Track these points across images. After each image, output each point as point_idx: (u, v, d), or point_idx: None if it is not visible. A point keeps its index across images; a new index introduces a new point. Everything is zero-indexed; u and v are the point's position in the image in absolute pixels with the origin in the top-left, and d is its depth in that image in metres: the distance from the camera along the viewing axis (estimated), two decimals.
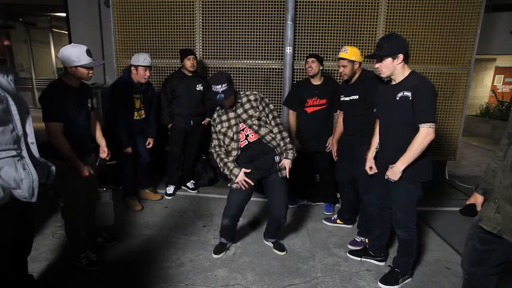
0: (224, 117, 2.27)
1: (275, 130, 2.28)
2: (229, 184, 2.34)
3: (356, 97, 2.58)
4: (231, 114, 2.26)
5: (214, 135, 2.33)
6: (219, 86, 2.07)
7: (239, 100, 2.26)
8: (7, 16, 1.44)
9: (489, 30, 6.17)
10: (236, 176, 2.21)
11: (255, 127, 2.24)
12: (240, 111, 2.25)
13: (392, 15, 3.50)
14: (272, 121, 2.29)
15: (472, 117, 8.48)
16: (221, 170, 2.30)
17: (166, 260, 2.37)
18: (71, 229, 2.27)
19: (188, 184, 3.73)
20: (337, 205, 3.37)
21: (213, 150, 2.33)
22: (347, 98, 2.65)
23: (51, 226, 2.78)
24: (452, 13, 3.48)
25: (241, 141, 2.25)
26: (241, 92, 2.32)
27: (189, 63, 3.26)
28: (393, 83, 2.03)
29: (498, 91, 9.14)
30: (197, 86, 3.37)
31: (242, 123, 2.25)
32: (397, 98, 1.95)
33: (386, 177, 2.02)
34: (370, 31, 3.56)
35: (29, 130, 1.51)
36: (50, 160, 1.63)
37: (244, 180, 2.20)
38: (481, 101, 9.00)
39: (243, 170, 2.21)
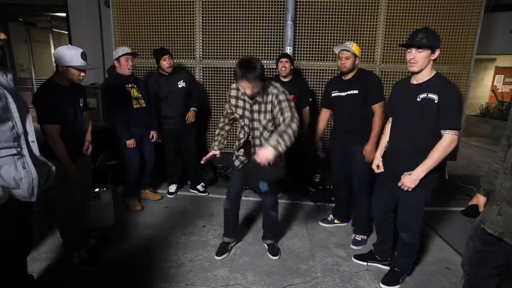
0: (240, 95, 2.15)
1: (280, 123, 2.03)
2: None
3: (355, 92, 2.48)
4: (247, 105, 2.13)
5: (227, 104, 2.27)
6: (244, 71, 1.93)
7: (260, 99, 2.07)
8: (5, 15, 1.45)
9: (489, 30, 6.15)
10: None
11: (257, 132, 2.15)
12: (255, 108, 2.11)
13: (392, 15, 3.50)
14: (280, 117, 2.03)
15: (472, 117, 8.47)
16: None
17: (166, 260, 2.36)
18: (65, 228, 2.28)
19: (199, 187, 3.65)
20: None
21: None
22: (343, 94, 2.53)
23: (51, 226, 2.77)
24: (452, 13, 3.48)
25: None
26: (271, 87, 2.07)
27: (165, 63, 3.14)
28: (414, 82, 1.88)
29: (498, 91, 9.13)
30: (179, 83, 3.27)
31: (249, 120, 2.15)
32: (418, 99, 1.81)
33: (400, 184, 1.90)
34: (370, 31, 3.56)
35: (29, 128, 1.51)
36: (49, 159, 1.63)
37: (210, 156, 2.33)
38: (481, 101, 9.00)
39: (213, 151, 2.33)
